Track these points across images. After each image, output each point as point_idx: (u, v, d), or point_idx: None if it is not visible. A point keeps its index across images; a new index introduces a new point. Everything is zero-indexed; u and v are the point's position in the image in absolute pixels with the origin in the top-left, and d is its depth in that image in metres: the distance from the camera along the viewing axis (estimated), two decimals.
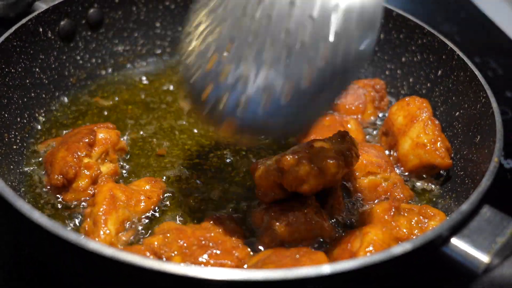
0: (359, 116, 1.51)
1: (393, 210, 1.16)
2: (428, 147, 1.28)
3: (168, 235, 1.07)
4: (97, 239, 1.09)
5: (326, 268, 0.87)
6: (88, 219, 1.15)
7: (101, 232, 1.10)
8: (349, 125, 1.45)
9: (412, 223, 1.15)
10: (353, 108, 1.51)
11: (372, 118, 1.52)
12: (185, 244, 1.06)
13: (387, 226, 1.13)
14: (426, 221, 1.15)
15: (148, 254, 1.05)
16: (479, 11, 2.30)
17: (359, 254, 1.04)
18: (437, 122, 1.31)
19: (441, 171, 1.35)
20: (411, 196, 1.29)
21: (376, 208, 1.19)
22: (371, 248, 1.04)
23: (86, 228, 1.14)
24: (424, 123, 1.30)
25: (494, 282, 0.91)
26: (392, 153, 1.38)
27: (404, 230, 1.13)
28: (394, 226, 1.13)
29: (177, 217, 1.23)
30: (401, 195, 1.25)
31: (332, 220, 1.22)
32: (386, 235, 1.09)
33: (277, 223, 1.14)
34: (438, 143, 1.28)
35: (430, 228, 1.13)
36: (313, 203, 1.17)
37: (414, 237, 1.12)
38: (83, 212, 1.20)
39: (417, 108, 1.34)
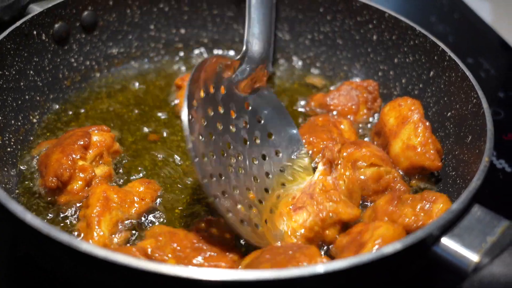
0: (352, 117, 1.51)
1: (396, 201, 1.16)
2: (419, 149, 1.27)
3: (160, 238, 1.07)
4: (90, 240, 1.10)
5: (320, 268, 0.88)
6: (82, 221, 1.15)
7: (95, 234, 1.10)
8: (342, 126, 1.46)
9: (417, 209, 1.14)
10: (346, 109, 1.52)
11: (365, 118, 1.53)
12: (178, 247, 1.06)
13: (393, 216, 1.13)
14: (429, 205, 1.13)
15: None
16: (473, 12, 2.32)
17: (367, 245, 1.04)
18: (427, 123, 1.30)
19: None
20: (409, 191, 1.29)
21: (379, 201, 1.19)
22: (380, 241, 1.04)
23: (80, 230, 1.14)
24: (415, 125, 1.30)
25: (484, 281, 0.91)
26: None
27: (412, 217, 1.12)
28: (400, 215, 1.13)
29: (170, 219, 1.23)
30: (402, 188, 1.24)
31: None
32: (397, 232, 1.08)
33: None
34: (428, 146, 1.27)
35: (436, 210, 1.12)
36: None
37: (421, 223, 1.11)
38: (77, 214, 1.21)
39: (408, 109, 1.34)
